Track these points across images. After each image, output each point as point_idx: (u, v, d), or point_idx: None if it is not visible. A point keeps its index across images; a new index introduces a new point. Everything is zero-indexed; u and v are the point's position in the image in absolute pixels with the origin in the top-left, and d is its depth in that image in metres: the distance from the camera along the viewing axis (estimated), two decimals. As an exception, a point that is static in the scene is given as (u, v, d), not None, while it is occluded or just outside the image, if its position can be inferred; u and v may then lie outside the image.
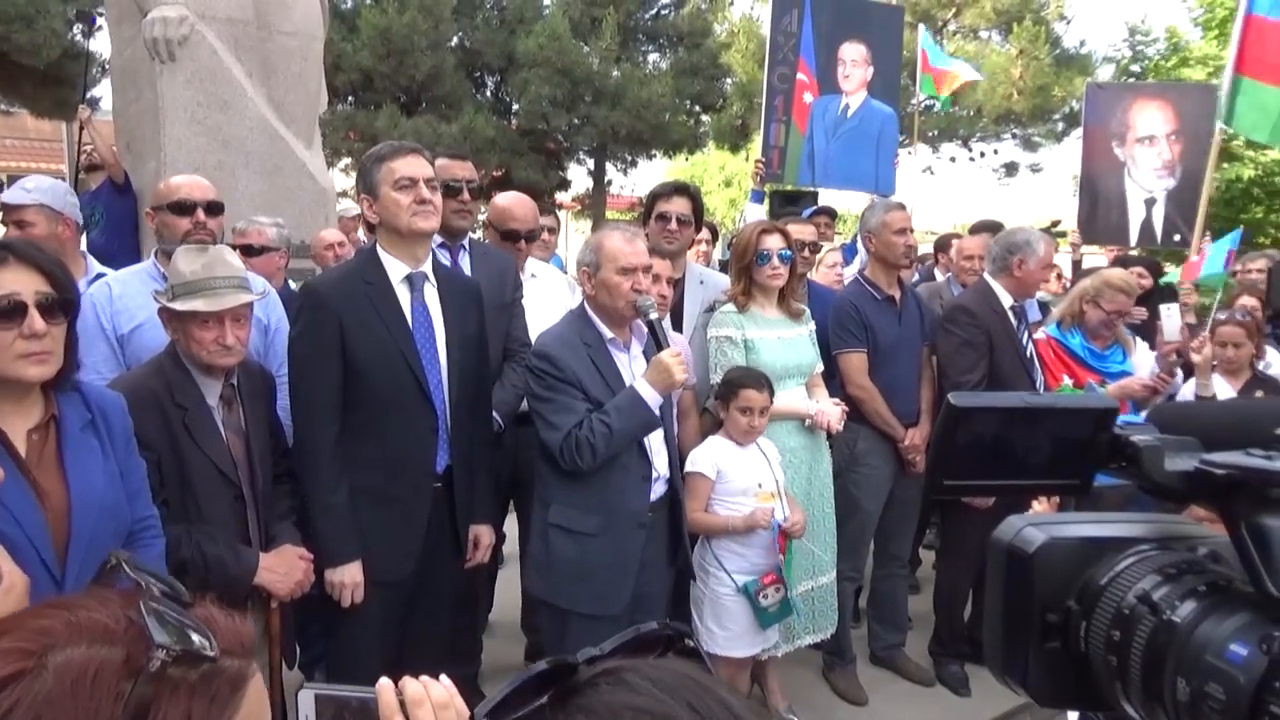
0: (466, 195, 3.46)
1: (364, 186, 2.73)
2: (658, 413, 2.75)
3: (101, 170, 7.09)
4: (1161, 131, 6.79)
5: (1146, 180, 6.81)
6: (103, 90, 12.73)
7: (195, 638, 0.77)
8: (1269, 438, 0.60)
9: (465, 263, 3.48)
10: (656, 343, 2.76)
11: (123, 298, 2.83)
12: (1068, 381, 3.90)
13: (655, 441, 2.90)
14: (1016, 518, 0.69)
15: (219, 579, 2.33)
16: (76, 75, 10.76)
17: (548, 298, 3.76)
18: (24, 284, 1.79)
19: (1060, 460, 0.66)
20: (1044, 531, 0.66)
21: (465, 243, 3.53)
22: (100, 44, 12.34)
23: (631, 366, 2.88)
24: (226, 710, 0.77)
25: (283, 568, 2.52)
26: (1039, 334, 4.13)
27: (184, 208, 3.05)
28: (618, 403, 2.70)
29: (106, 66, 8.79)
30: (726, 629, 3.33)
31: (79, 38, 11.87)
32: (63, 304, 1.85)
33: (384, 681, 0.93)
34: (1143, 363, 4.16)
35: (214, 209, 3.12)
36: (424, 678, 0.95)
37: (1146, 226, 6.83)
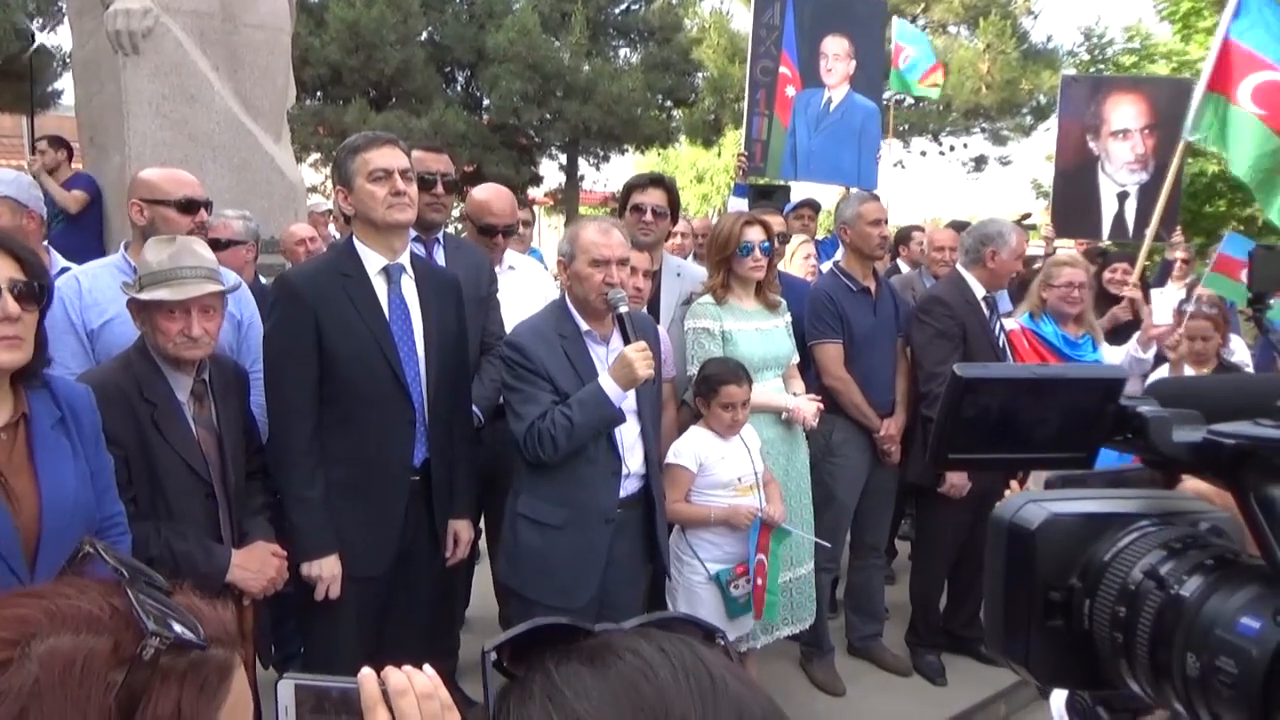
0: (441, 189, 3.43)
1: (339, 178, 2.69)
2: (621, 408, 2.72)
3: (58, 171, 6.96)
4: (1135, 125, 6.84)
5: (1119, 174, 6.87)
6: (65, 83, 12.53)
7: (184, 626, 0.74)
8: (1271, 409, 0.59)
9: (440, 256, 3.44)
10: (624, 337, 2.73)
11: (92, 291, 2.77)
12: None
13: (629, 438, 2.88)
14: (1017, 495, 0.68)
15: (189, 577, 2.28)
16: (37, 70, 10.59)
17: (526, 290, 3.72)
18: None
19: (1066, 433, 0.65)
20: (1045, 508, 0.65)
21: (439, 236, 3.49)
22: (61, 37, 12.12)
23: (608, 360, 2.86)
24: (215, 699, 0.75)
25: (255, 565, 2.47)
26: (1011, 324, 4.16)
27: (189, 206, 3.00)
28: (580, 396, 2.69)
29: (68, 60, 8.64)
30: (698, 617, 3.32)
31: (37, 31, 11.67)
32: (36, 292, 1.81)
33: (366, 671, 0.91)
34: (1112, 357, 4.23)
35: (208, 206, 3.11)
36: (407, 668, 0.92)
37: (1119, 220, 6.89)
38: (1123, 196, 6.96)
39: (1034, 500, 0.66)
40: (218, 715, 0.75)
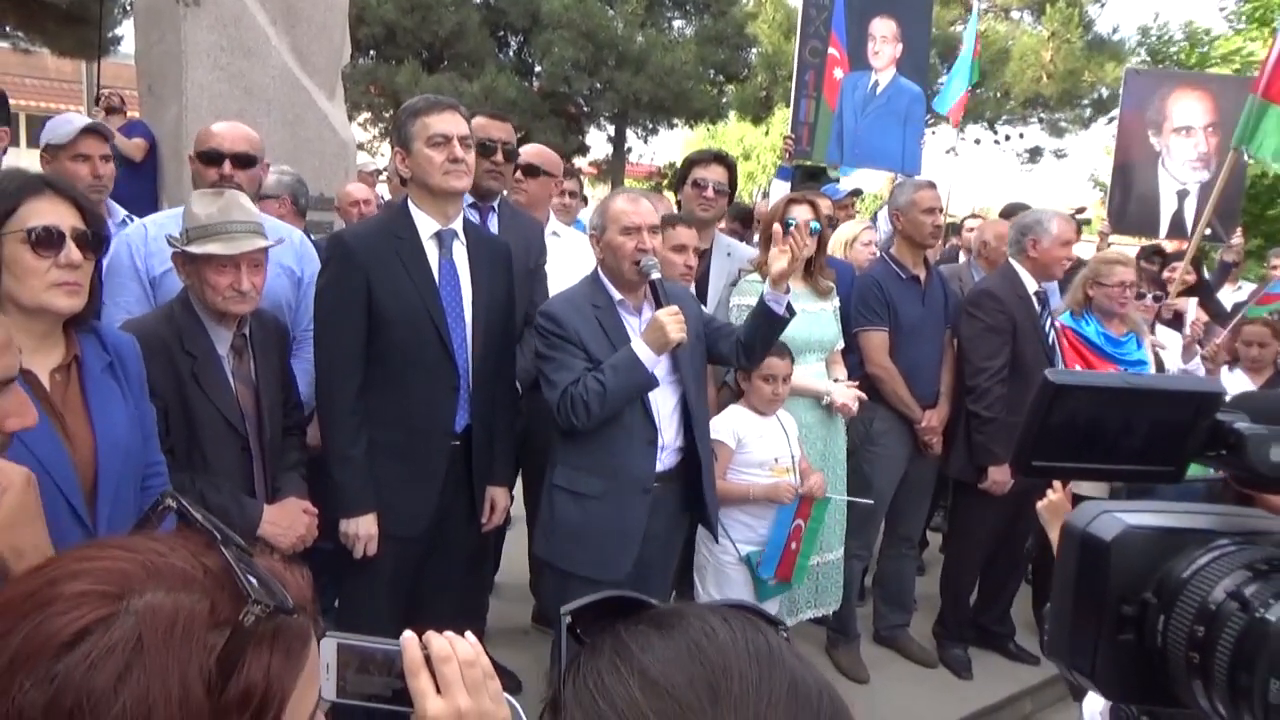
0: (500, 156, 3.42)
1: (397, 139, 2.68)
2: (654, 373, 2.71)
3: (120, 114, 7.06)
4: (1199, 123, 6.66)
5: (1180, 171, 6.69)
6: (125, 30, 12.67)
7: (279, 592, 0.74)
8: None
9: (494, 224, 3.44)
10: (656, 301, 2.72)
11: (156, 240, 2.80)
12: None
13: (664, 408, 2.86)
14: (1091, 504, 0.66)
15: None
16: (99, 15, 10.70)
17: (569, 258, 3.72)
18: (61, 216, 1.79)
19: (1155, 445, 0.64)
20: (1120, 520, 0.64)
21: (495, 204, 3.49)
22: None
23: (641, 330, 2.85)
24: (297, 665, 0.76)
25: (286, 520, 2.50)
26: (1055, 323, 4.08)
27: (211, 157, 3.00)
28: (613, 361, 2.68)
29: (129, 7, 8.72)
30: (727, 597, 3.33)
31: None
32: (95, 239, 1.85)
33: (409, 635, 0.92)
34: (1170, 348, 4.15)
35: (242, 161, 3.04)
36: (449, 633, 0.93)
37: (1177, 219, 6.73)
38: (1183, 194, 6.79)
39: (1109, 511, 0.65)
40: (297, 681, 0.75)
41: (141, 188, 6.34)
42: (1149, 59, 15.96)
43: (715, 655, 0.62)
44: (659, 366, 2.77)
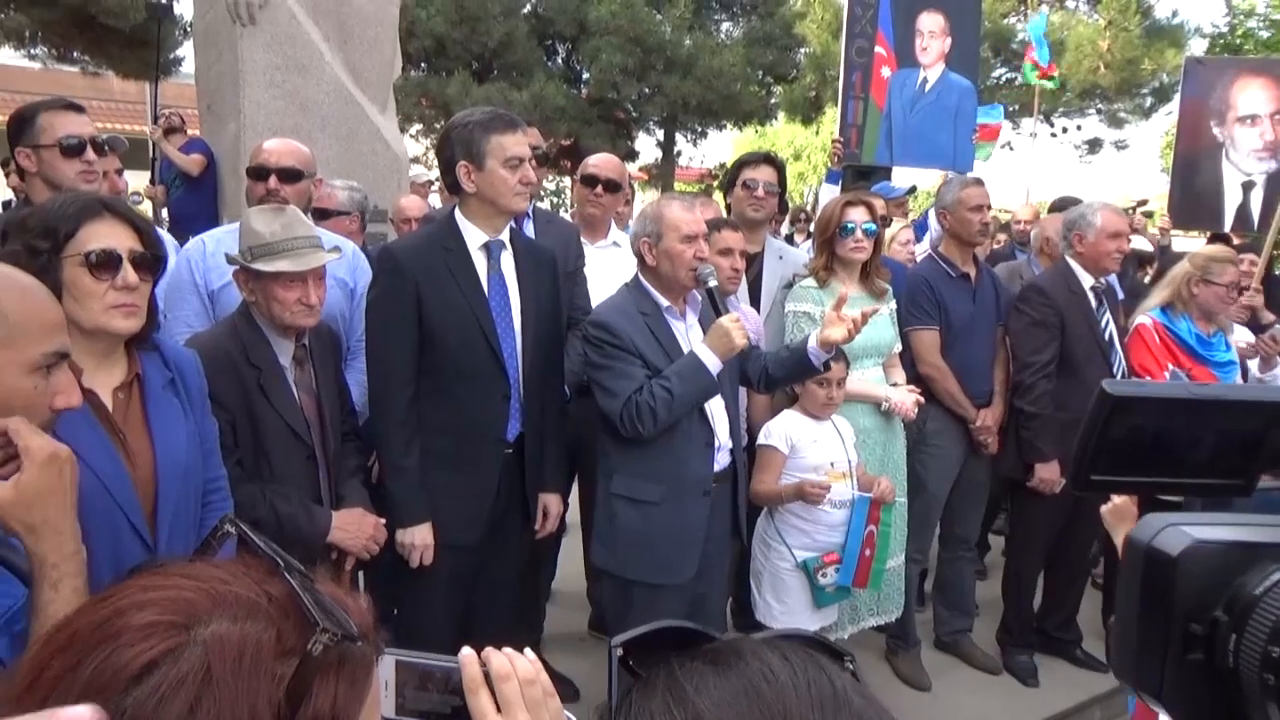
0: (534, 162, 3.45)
1: (464, 153, 2.65)
2: (717, 378, 2.72)
3: (180, 132, 7.25)
4: (1265, 111, 6.41)
5: (1245, 162, 6.45)
6: (185, 51, 13.01)
7: (344, 620, 0.74)
8: None
9: (529, 231, 3.47)
10: (715, 309, 2.73)
11: (215, 255, 2.87)
12: (1174, 370, 3.75)
13: (717, 409, 2.87)
14: (1155, 516, 0.63)
15: (293, 538, 2.36)
16: (158, 37, 11.01)
17: (624, 266, 3.71)
18: (119, 238, 1.82)
19: (1223, 458, 0.61)
20: (1187, 534, 0.60)
21: (529, 210, 3.51)
22: (184, 6, 12.58)
23: (689, 335, 2.87)
24: (361, 693, 0.75)
25: (354, 525, 2.55)
26: (1143, 318, 3.97)
27: (259, 173, 3.06)
28: (678, 368, 2.68)
29: (189, 29, 8.95)
30: (784, 603, 3.30)
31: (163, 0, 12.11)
32: (152, 261, 1.88)
33: (467, 652, 0.91)
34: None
35: (289, 175, 3.08)
36: (508, 650, 0.93)
37: (1243, 211, 6.49)
38: (1248, 186, 6.55)
39: (1174, 524, 0.61)
40: (361, 710, 0.75)
41: (201, 204, 6.51)
42: (1223, 33, 15.47)
43: (774, 699, 0.60)
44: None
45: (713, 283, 2.74)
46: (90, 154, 2.72)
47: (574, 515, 4.04)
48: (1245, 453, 0.61)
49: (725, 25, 16.64)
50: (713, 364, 2.68)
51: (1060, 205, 5.82)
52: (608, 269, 3.61)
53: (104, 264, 1.79)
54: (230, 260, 2.49)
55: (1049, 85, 9.46)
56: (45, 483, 1.27)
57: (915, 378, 3.77)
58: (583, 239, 3.72)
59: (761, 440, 3.29)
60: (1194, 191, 6.67)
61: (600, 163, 3.85)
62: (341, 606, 0.75)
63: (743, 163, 3.89)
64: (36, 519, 1.27)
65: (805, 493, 3.13)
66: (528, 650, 0.93)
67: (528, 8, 14.92)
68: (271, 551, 0.77)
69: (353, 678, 0.74)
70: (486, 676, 0.90)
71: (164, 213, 7.23)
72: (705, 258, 2.76)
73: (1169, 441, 0.61)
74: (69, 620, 0.72)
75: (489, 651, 0.91)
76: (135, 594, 0.71)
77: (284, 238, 2.39)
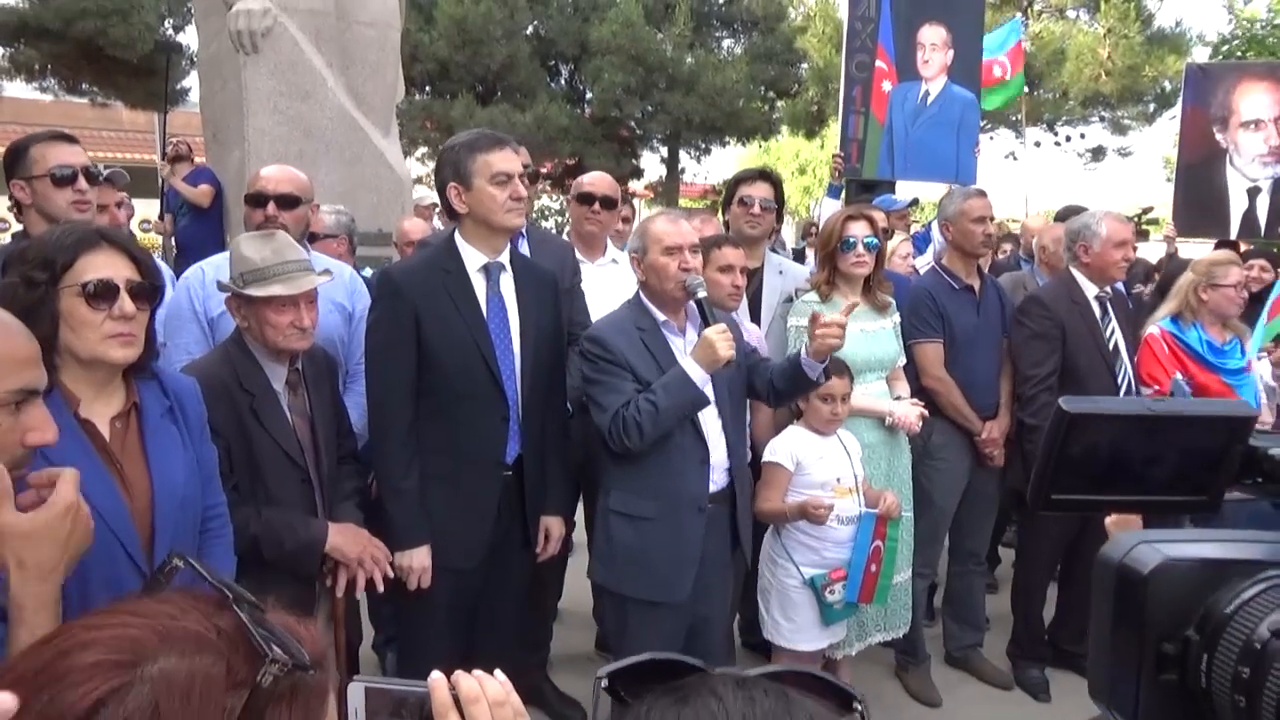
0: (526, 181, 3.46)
1: (454, 174, 2.68)
2: (704, 390, 2.70)
3: (186, 162, 7.32)
4: (1269, 115, 6.38)
5: (1250, 168, 6.42)
6: (192, 81, 13.14)
7: (295, 649, 0.74)
8: None
9: (524, 249, 3.48)
10: (704, 320, 2.71)
11: (214, 282, 2.89)
12: (1178, 378, 3.72)
13: (712, 428, 2.84)
14: (1127, 534, 0.62)
15: (292, 547, 2.36)
16: (165, 68, 11.16)
17: (624, 284, 3.72)
18: (116, 269, 1.83)
19: (1186, 474, 0.60)
20: (1159, 551, 0.59)
21: (523, 229, 3.52)
22: (189, 37, 12.75)
23: (686, 350, 2.85)
24: None
25: (350, 533, 2.54)
26: (1152, 328, 3.94)
27: (257, 200, 3.08)
28: (663, 381, 2.68)
29: (195, 59, 9.06)
30: (792, 621, 3.28)
31: (170, 32, 12.27)
32: (150, 290, 1.89)
33: (436, 676, 0.91)
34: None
35: (286, 202, 3.09)
36: (478, 673, 0.92)
37: (1249, 217, 6.45)
38: (1254, 192, 6.53)
39: (1147, 541, 0.61)
40: None
41: (209, 231, 6.56)
42: (1226, 39, 15.40)
43: None
44: (707, 386, 2.75)
45: (701, 294, 2.73)
46: (82, 183, 2.74)
47: (580, 534, 4.03)
48: (1209, 469, 0.60)
49: (726, 42, 16.71)
50: (697, 376, 2.66)
51: (1065, 215, 5.81)
52: (606, 287, 3.61)
53: (101, 294, 1.80)
54: (222, 287, 2.50)
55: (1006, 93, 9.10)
56: (54, 529, 1.29)
57: (919, 391, 3.76)
58: (581, 257, 3.73)
59: (767, 457, 3.28)
60: (1198, 199, 6.64)
61: (595, 180, 3.87)
62: (294, 636, 0.75)
63: (739, 180, 3.90)
64: (30, 556, 1.28)
65: (808, 513, 3.12)
66: (498, 672, 0.92)
67: (529, 29, 15.02)
68: (220, 584, 0.76)
69: (306, 707, 0.74)
70: (457, 700, 0.89)
71: (172, 241, 7.28)
72: (690, 268, 2.75)
73: (1129, 459, 0.60)
74: (14, 663, 0.72)
75: (458, 675, 0.90)
76: (80, 634, 0.71)
77: (275, 262, 2.40)
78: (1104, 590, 0.61)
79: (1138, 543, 0.61)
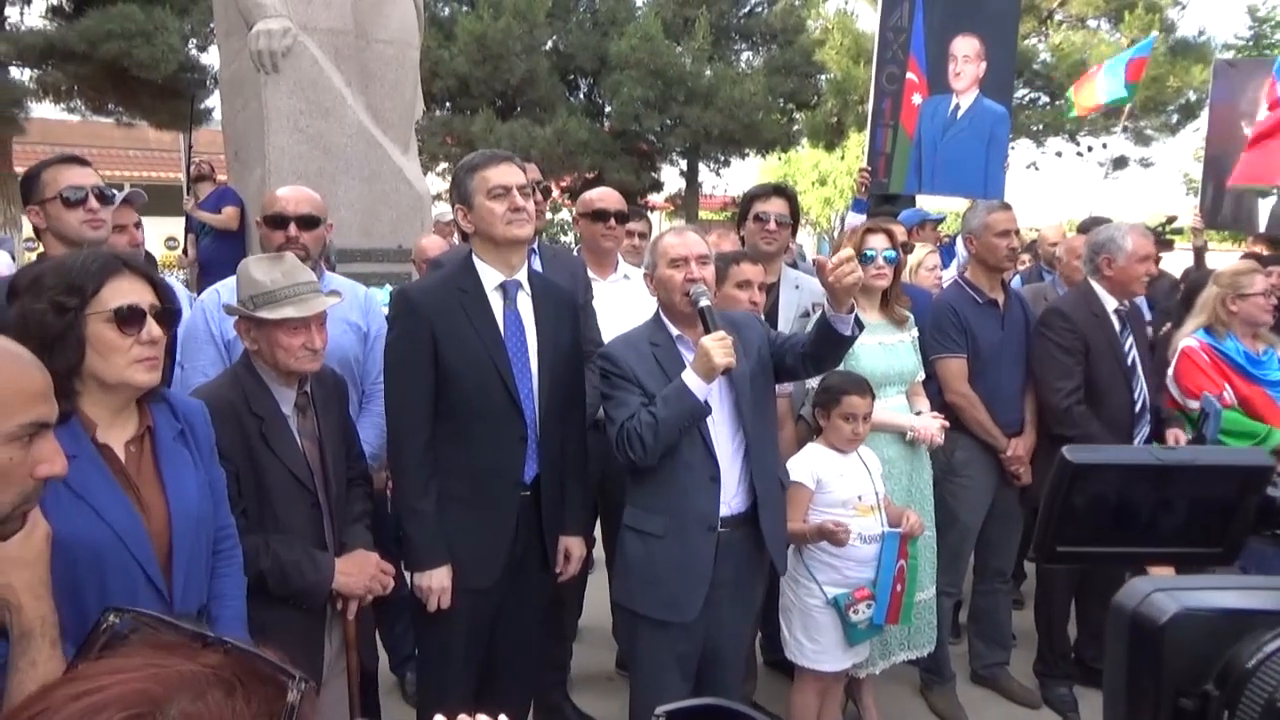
0: (539, 197, 3.47)
1: (458, 196, 2.73)
2: (706, 401, 2.64)
3: (209, 181, 7.39)
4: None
5: (1280, 163, 6.30)
6: (216, 100, 13.30)
7: (290, 666, 0.74)
8: None
9: (536, 265, 3.47)
10: (705, 329, 2.66)
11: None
12: (1228, 392, 3.66)
13: (726, 447, 2.77)
14: (1142, 580, 0.60)
15: (298, 586, 2.36)
16: (192, 88, 11.30)
17: (636, 301, 3.71)
18: (140, 294, 1.86)
19: (1199, 525, 0.57)
20: (1176, 600, 0.57)
21: (534, 246, 3.52)
22: (211, 57, 12.92)
23: None
24: None
25: (356, 569, 2.53)
26: (1188, 341, 3.89)
27: (276, 221, 3.09)
28: (664, 393, 2.65)
29: (218, 79, 9.18)
30: (816, 642, 3.24)
31: (193, 52, 12.43)
32: (169, 315, 1.91)
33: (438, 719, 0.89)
34: None
35: (307, 223, 3.11)
36: (481, 716, 0.90)
37: (1277, 213, 6.35)
38: (1283, 188, 6.41)
39: (1163, 589, 0.58)
40: None
41: (231, 250, 6.62)
42: (1250, 43, 15.23)
43: None
44: (721, 401, 2.73)
45: (704, 302, 2.68)
46: (93, 203, 2.77)
47: (600, 552, 4.02)
48: (1223, 519, 0.57)
49: (745, 55, 16.74)
50: (697, 387, 2.61)
51: (1088, 226, 5.74)
52: (619, 303, 3.61)
53: (130, 319, 1.82)
54: (230, 310, 2.50)
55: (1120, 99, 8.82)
56: (43, 552, 1.31)
57: (942, 406, 3.71)
58: (594, 274, 3.73)
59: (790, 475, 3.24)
60: (1226, 195, 6.53)
61: (604, 196, 3.87)
62: (269, 654, 0.75)
63: (752, 196, 3.87)
64: (19, 579, 1.32)
65: (828, 534, 3.08)
66: (502, 717, 0.91)
67: (549, 45, 15.11)
68: (190, 626, 0.76)
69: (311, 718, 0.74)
70: None
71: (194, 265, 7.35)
72: (697, 279, 2.72)
73: (1137, 509, 0.58)
74: None
75: (461, 718, 0.89)
76: (67, 706, 0.67)
77: (285, 284, 2.41)
78: (1118, 639, 0.59)
79: (1153, 590, 0.58)
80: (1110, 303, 3.80)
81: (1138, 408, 3.76)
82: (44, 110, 14.43)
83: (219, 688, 0.70)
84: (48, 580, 1.37)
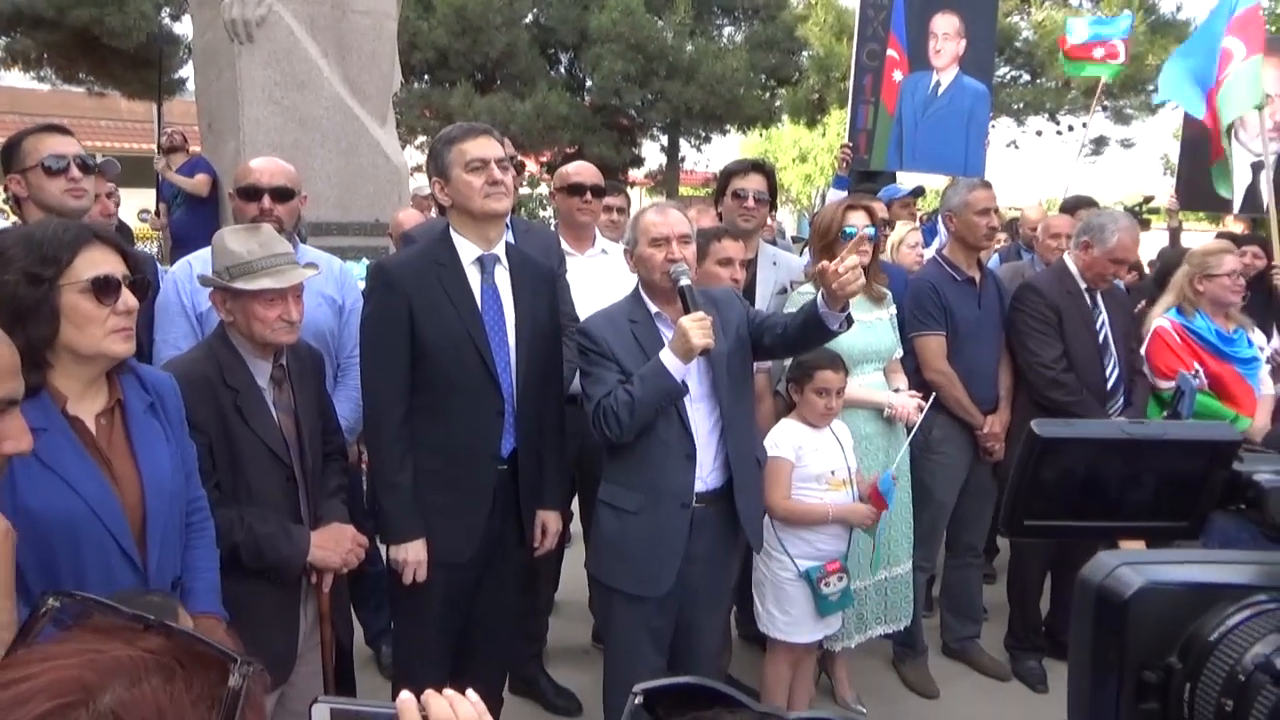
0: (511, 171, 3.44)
1: (435, 169, 2.70)
2: (684, 382, 2.64)
3: (181, 152, 7.28)
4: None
5: (1254, 143, 6.29)
6: (189, 71, 13.10)
7: (235, 649, 0.74)
8: None
9: (509, 239, 3.45)
10: (685, 309, 2.64)
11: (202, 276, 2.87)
12: (1183, 374, 3.71)
13: (703, 424, 2.78)
14: (1108, 554, 0.60)
15: (273, 559, 2.35)
16: (165, 58, 11.11)
17: (613, 276, 3.70)
18: (114, 264, 1.83)
19: (1165, 499, 0.58)
20: (1141, 574, 0.57)
21: (508, 220, 3.49)
22: (185, 26, 12.69)
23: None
24: (263, 713, 0.75)
25: (331, 543, 2.50)
26: (1160, 321, 3.94)
27: (250, 193, 3.05)
28: (641, 372, 2.64)
29: (191, 49, 9.03)
30: (787, 614, 3.27)
31: (166, 21, 12.21)
32: (142, 284, 1.89)
33: (405, 697, 0.89)
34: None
35: (281, 195, 3.07)
36: (449, 692, 0.90)
37: (1252, 193, 6.34)
38: (1258, 167, 6.39)
39: (1129, 563, 0.58)
40: None
41: (204, 222, 6.52)
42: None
43: None
44: (699, 379, 2.73)
45: (684, 281, 2.67)
46: (75, 172, 2.73)
47: (578, 526, 4.02)
48: (1189, 494, 0.58)
49: (727, 30, 16.65)
50: (674, 367, 2.59)
51: (1072, 205, 5.77)
52: (596, 278, 3.59)
53: (105, 289, 1.80)
54: (206, 282, 2.46)
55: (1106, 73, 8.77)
56: (6, 546, 1.28)
57: (920, 384, 3.73)
58: (571, 249, 3.72)
59: (769, 452, 3.25)
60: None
61: (581, 170, 3.85)
62: (214, 636, 0.74)
63: (731, 172, 3.84)
64: None
65: (857, 519, 3.23)
66: (470, 692, 0.90)
67: (529, 18, 14.96)
68: (129, 608, 0.74)
69: (260, 700, 0.73)
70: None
71: (167, 232, 7.26)
72: (678, 259, 2.70)
73: (1106, 484, 0.58)
74: None
75: (429, 695, 0.88)
76: (11, 687, 0.65)
77: (261, 255, 2.37)
78: (1083, 613, 0.59)
79: (1119, 564, 0.59)
80: (1083, 282, 3.83)
81: (1110, 384, 3.81)
82: (13, 79, 14.17)
83: (157, 673, 0.69)
84: (10, 582, 1.34)
